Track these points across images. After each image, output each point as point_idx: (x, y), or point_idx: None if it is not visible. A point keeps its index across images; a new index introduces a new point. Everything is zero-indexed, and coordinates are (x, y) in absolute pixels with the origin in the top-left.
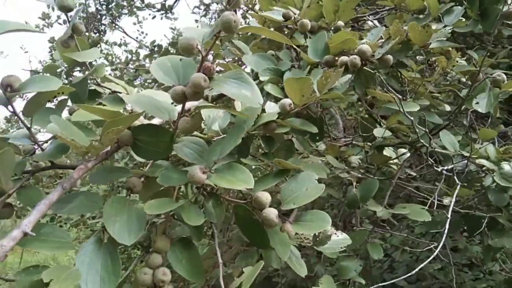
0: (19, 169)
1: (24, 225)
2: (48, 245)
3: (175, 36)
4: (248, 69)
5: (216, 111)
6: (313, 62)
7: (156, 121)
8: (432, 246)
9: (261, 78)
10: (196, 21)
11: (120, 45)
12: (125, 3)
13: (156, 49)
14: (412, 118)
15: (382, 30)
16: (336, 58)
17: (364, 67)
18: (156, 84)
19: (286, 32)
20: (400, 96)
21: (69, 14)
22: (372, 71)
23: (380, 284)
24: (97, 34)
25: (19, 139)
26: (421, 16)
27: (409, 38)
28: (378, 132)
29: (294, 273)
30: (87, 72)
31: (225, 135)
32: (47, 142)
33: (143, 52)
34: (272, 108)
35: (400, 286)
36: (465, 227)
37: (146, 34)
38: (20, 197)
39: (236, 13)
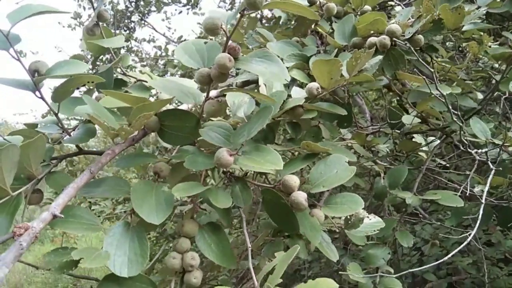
0: (48, 155)
1: (53, 207)
2: (76, 226)
3: (202, 31)
4: None
5: (241, 97)
6: (340, 45)
7: (182, 107)
8: (463, 236)
9: (286, 64)
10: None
11: (149, 42)
12: (152, 0)
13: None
14: (444, 101)
15: (412, 10)
16: (365, 40)
17: (394, 48)
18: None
19: (308, 21)
20: (430, 80)
21: (94, 0)
22: (402, 52)
23: (408, 271)
24: (127, 32)
25: (47, 126)
26: None
27: (440, 18)
28: (407, 119)
29: (319, 266)
30: (113, 62)
31: None
32: (74, 130)
33: (171, 48)
34: (298, 93)
35: (430, 281)
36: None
37: (175, 30)
38: (49, 182)
39: None
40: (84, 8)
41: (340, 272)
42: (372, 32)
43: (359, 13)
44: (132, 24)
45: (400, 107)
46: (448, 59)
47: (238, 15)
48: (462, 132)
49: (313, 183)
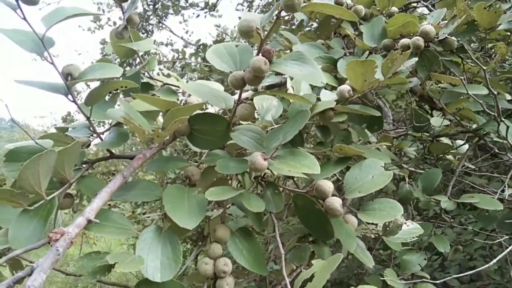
0: (79, 159)
1: (88, 212)
2: (110, 230)
3: (219, 33)
4: None
5: (270, 100)
6: (369, 47)
7: (211, 110)
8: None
9: None
10: (240, 18)
11: (167, 45)
12: (170, 3)
13: (201, 47)
14: (481, 102)
15: (444, 11)
16: (395, 42)
17: (427, 49)
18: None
19: (332, 24)
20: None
21: (123, 4)
22: (436, 53)
23: (452, 277)
24: (145, 34)
25: (79, 130)
26: None
27: (474, 20)
28: (436, 121)
29: (339, 271)
30: (140, 65)
31: (279, 124)
32: (103, 134)
33: (189, 51)
34: (327, 96)
35: (452, 286)
36: None
37: (192, 33)
38: (81, 186)
39: None
40: (103, 11)
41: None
42: (402, 33)
43: (385, 15)
44: (150, 27)
45: (423, 108)
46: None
47: (274, 17)
48: (498, 134)
49: (348, 188)
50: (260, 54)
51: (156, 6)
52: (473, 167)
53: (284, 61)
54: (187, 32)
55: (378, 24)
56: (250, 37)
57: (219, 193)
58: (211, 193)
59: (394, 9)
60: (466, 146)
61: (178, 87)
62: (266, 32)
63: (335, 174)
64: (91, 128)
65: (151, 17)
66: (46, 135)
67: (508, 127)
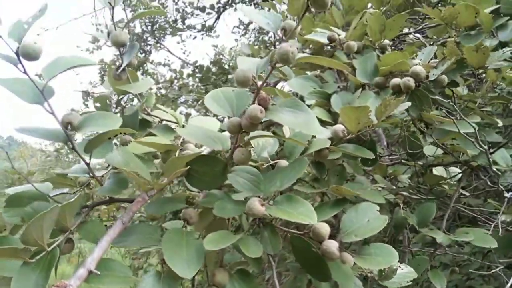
0: (80, 205)
1: (89, 263)
2: (111, 280)
3: (216, 54)
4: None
5: (266, 138)
6: (362, 83)
7: (206, 149)
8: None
9: (307, 102)
10: (236, 40)
11: (164, 65)
12: (167, 25)
13: (198, 69)
14: (472, 140)
15: (434, 49)
16: (387, 78)
17: (418, 88)
18: (199, 102)
19: (327, 52)
20: (455, 117)
21: (122, 50)
22: (426, 93)
23: None
24: (143, 55)
25: (78, 174)
26: (472, 32)
27: (463, 57)
28: (429, 150)
29: None
30: (138, 104)
31: (276, 161)
32: (103, 176)
33: (186, 71)
34: (323, 133)
35: None
36: None
37: (190, 52)
38: (81, 232)
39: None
40: (102, 32)
41: None
42: (393, 71)
43: (377, 47)
44: (148, 47)
45: (417, 136)
46: (466, 86)
47: (269, 67)
48: (489, 166)
49: (344, 231)
50: (256, 102)
51: (154, 28)
52: (468, 194)
53: (280, 109)
54: (184, 52)
55: (370, 60)
56: (247, 86)
57: (217, 241)
58: (210, 241)
59: (386, 41)
60: (460, 176)
61: (176, 122)
62: (262, 74)
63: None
64: (90, 174)
65: (149, 37)
66: (46, 179)
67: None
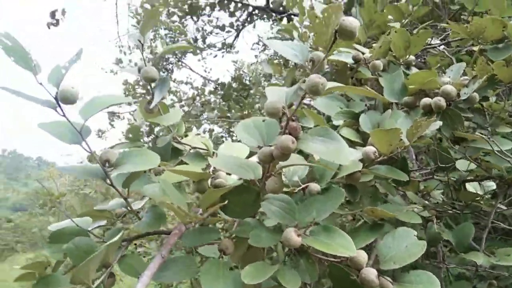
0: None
1: None
2: None
3: (236, 69)
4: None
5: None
6: (390, 103)
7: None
8: None
9: (335, 123)
10: (256, 56)
11: (186, 83)
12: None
13: (219, 86)
14: (508, 159)
15: (463, 66)
16: (416, 98)
17: (449, 108)
18: (221, 118)
19: (351, 68)
20: (488, 135)
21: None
22: (458, 112)
23: None
24: (165, 73)
25: (117, 209)
26: (500, 45)
27: (494, 73)
28: (462, 164)
29: None
30: (170, 134)
31: (307, 185)
32: (141, 209)
33: (208, 88)
34: (353, 155)
35: None
36: None
37: (211, 69)
38: (121, 266)
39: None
40: (125, 53)
41: None
42: (422, 90)
43: (402, 63)
44: (170, 66)
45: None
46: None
47: (298, 96)
48: None
49: (382, 258)
50: (286, 132)
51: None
52: (504, 208)
53: (310, 137)
54: (205, 69)
55: (398, 79)
56: (277, 117)
57: (255, 274)
58: (247, 275)
59: (412, 58)
60: (494, 189)
61: (206, 149)
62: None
63: None
64: (128, 208)
65: (171, 57)
66: (84, 212)
67: None
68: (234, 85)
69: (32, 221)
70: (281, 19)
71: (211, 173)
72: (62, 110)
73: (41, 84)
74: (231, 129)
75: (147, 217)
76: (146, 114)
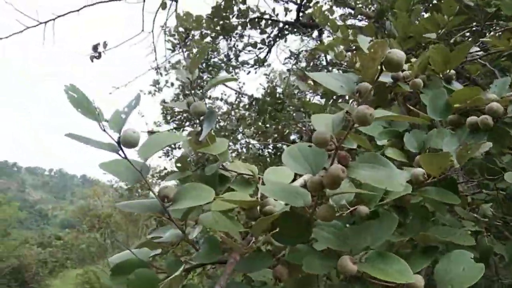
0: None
1: None
2: None
3: (269, 82)
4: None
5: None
6: (433, 120)
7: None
8: None
9: (379, 143)
10: (288, 70)
11: (221, 99)
12: (222, 64)
13: (254, 102)
14: None
15: (508, 81)
16: (460, 115)
17: (497, 125)
18: (258, 133)
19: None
20: None
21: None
22: (506, 129)
23: None
24: (200, 91)
25: (174, 239)
26: None
27: None
28: (510, 176)
29: None
30: (217, 162)
31: (355, 207)
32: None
33: (242, 103)
34: (399, 177)
35: None
36: None
37: (244, 84)
38: None
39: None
40: (161, 74)
41: None
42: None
43: (442, 77)
44: (204, 83)
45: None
46: None
47: (346, 126)
48: None
49: (439, 281)
50: (335, 161)
51: (209, 67)
52: None
53: (360, 165)
54: (238, 84)
55: (441, 97)
56: (325, 147)
57: None
58: None
59: (452, 72)
60: None
61: (252, 175)
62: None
63: None
64: (185, 239)
65: (205, 75)
66: (141, 243)
67: None
68: (267, 99)
69: (79, 238)
70: (311, 33)
71: (260, 200)
72: (124, 153)
73: (104, 130)
74: (269, 145)
75: (204, 248)
76: (195, 145)
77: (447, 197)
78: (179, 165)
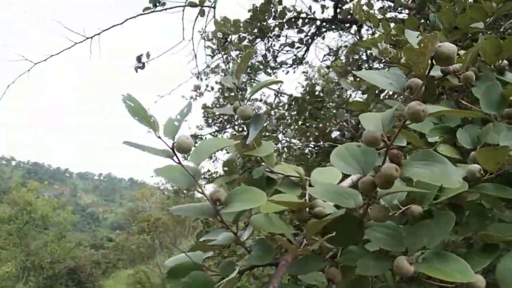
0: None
1: None
2: None
3: (307, 79)
4: None
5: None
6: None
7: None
8: None
9: (430, 140)
10: (328, 67)
11: (261, 100)
12: (261, 66)
13: (293, 101)
14: None
15: None
16: None
17: None
18: (300, 137)
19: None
20: None
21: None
22: None
23: None
24: (240, 92)
25: (227, 242)
26: None
27: None
28: None
29: None
30: (263, 165)
31: (407, 207)
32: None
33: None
34: (455, 173)
35: None
36: None
37: (282, 82)
38: None
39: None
40: (202, 79)
41: None
42: None
43: (494, 69)
44: (243, 85)
45: None
46: None
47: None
48: None
49: (502, 281)
50: (387, 160)
51: (248, 70)
52: None
53: (413, 163)
54: (277, 84)
55: (495, 90)
56: (376, 146)
57: None
58: None
59: (505, 62)
60: None
61: (298, 176)
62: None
63: None
64: (238, 242)
65: (244, 76)
66: (194, 246)
67: None
68: (307, 97)
69: (129, 239)
70: (349, 29)
71: (308, 201)
72: (178, 159)
73: (159, 138)
74: (309, 144)
75: (256, 250)
76: (241, 148)
77: (506, 193)
78: (226, 168)
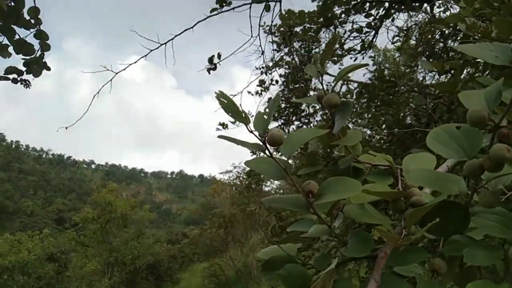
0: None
1: None
2: None
3: (377, 67)
4: None
5: None
6: None
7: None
8: None
9: None
10: (398, 49)
11: (328, 91)
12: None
13: (363, 89)
14: None
15: None
16: None
17: None
18: (373, 124)
19: None
20: None
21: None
22: None
23: None
24: (304, 84)
25: (319, 235)
26: None
27: None
28: None
29: None
30: (350, 155)
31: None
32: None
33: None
34: None
35: None
36: None
37: (368, 65)
38: None
39: None
40: (266, 74)
41: None
42: None
43: None
44: (308, 75)
45: None
46: None
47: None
48: None
49: None
50: (496, 140)
51: (311, 57)
52: None
53: None
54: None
55: None
56: (483, 127)
57: None
58: None
59: None
60: None
61: (388, 166)
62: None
63: None
64: (332, 235)
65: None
66: (286, 238)
67: None
68: (376, 83)
69: (203, 234)
70: (420, 7)
71: (402, 190)
72: (269, 152)
73: (251, 132)
74: (383, 133)
75: (353, 242)
76: (326, 139)
77: None
78: (309, 161)
